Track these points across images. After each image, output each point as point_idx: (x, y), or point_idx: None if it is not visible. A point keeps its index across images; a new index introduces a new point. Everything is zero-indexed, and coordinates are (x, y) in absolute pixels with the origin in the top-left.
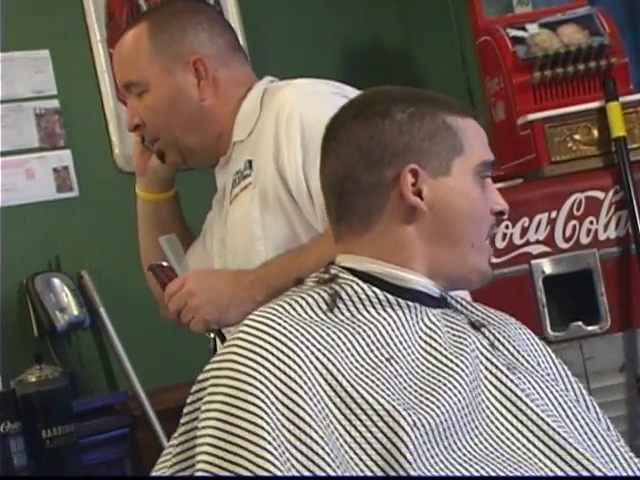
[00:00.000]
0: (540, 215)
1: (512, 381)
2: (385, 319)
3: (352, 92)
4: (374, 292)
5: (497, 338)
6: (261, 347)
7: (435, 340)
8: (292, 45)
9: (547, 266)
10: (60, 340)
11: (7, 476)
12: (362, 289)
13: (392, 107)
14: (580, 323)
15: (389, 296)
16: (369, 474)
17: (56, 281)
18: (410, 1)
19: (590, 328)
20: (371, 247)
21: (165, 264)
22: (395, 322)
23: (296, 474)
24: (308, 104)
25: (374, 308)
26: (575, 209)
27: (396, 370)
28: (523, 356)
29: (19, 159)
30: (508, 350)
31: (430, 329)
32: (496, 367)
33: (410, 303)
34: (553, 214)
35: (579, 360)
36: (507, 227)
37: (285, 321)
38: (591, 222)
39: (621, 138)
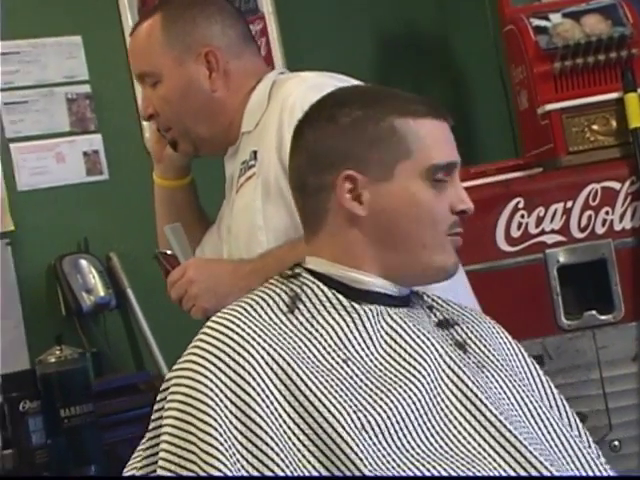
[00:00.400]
0: (556, 205)
1: (474, 382)
2: (344, 321)
3: None
4: (333, 295)
5: (469, 337)
6: (218, 349)
7: (395, 341)
8: (325, 30)
9: (562, 255)
10: (87, 320)
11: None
12: (322, 291)
13: (339, 111)
14: (594, 312)
15: (347, 299)
16: (315, 474)
17: (83, 263)
18: None
19: (604, 317)
20: (326, 249)
21: (169, 252)
22: (354, 324)
23: (245, 474)
24: (311, 96)
25: (334, 309)
26: (591, 199)
27: (352, 371)
28: (494, 355)
29: (50, 143)
30: (479, 348)
31: (392, 329)
32: (458, 367)
33: (368, 306)
34: (569, 204)
35: (592, 349)
36: (522, 216)
37: (245, 323)
38: (607, 212)
39: (638, 129)
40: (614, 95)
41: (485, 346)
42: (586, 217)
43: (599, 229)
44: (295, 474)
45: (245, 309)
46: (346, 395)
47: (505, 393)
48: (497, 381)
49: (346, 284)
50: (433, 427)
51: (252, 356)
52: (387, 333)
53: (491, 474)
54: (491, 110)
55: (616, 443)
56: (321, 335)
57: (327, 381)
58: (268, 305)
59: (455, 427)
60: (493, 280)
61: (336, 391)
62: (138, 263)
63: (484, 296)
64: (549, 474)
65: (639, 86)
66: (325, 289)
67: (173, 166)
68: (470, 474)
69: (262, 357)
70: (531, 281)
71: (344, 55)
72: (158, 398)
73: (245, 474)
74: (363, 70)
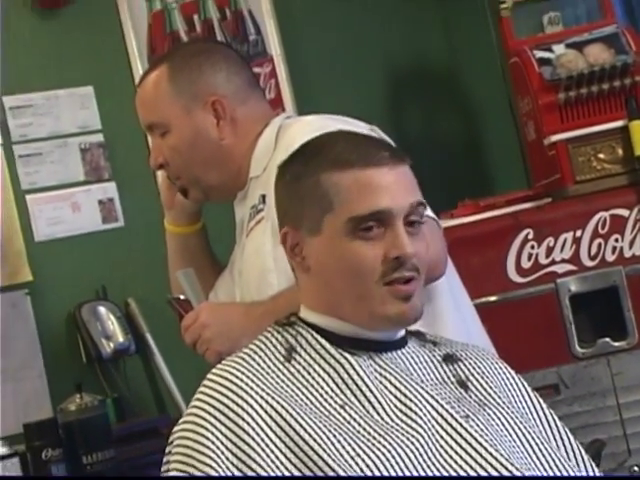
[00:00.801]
0: (565, 234)
1: (471, 426)
2: (338, 369)
3: (364, 128)
4: (325, 344)
5: (471, 373)
6: (217, 401)
7: (387, 387)
8: (334, 69)
9: (573, 284)
10: (107, 366)
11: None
12: (315, 340)
13: (288, 167)
14: (608, 339)
15: (338, 348)
16: None
17: (102, 309)
18: (454, 19)
19: (617, 344)
20: (305, 298)
21: (182, 297)
22: (348, 372)
23: None
24: None
25: (328, 357)
26: (600, 227)
27: (350, 416)
28: (495, 392)
29: (65, 193)
30: (481, 385)
31: (382, 375)
32: (450, 414)
33: (358, 353)
34: (578, 233)
35: (607, 376)
36: (533, 247)
37: (243, 373)
38: (616, 240)
39: None
40: (619, 123)
41: (487, 383)
42: (596, 245)
43: (609, 256)
44: None
45: (243, 359)
46: (345, 440)
47: (507, 430)
48: (499, 418)
49: (335, 333)
50: (434, 469)
51: (250, 405)
52: (380, 378)
53: None
54: (502, 142)
55: (635, 468)
56: (317, 383)
57: (325, 426)
58: (265, 355)
59: (455, 469)
60: (506, 311)
61: (334, 436)
62: (156, 308)
63: (497, 328)
64: None
65: None
66: (318, 338)
67: (184, 213)
68: None
69: (260, 405)
70: (544, 311)
71: (355, 94)
72: (166, 452)
73: None
74: (374, 107)
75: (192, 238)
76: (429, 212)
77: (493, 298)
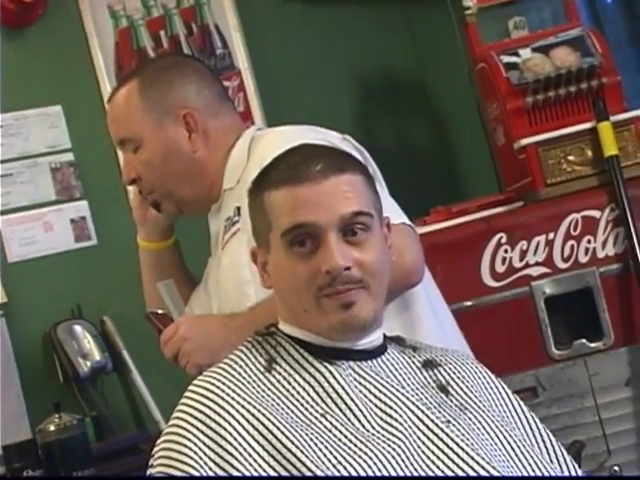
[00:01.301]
0: (538, 237)
1: (451, 431)
2: (318, 378)
3: (336, 137)
4: (305, 355)
5: (452, 378)
6: (199, 412)
7: (367, 396)
8: (302, 82)
9: (548, 287)
10: (85, 385)
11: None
12: (295, 350)
13: (249, 189)
14: (584, 340)
15: (317, 358)
16: None
17: (78, 328)
18: (421, 27)
19: (594, 345)
20: (279, 311)
21: (160, 311)
22: (328, 381)
23: None
24: None
25: (308, 367)
26: (572, 229)
27: (331, 424)
28: (476, 396)
29: (37, 213)
30: (462, 389)
31: (362, 384)
32: (430, 419)
33: (337, 363)
34: (551, 235)
35: (585, 377)
36: (506, 251)
37: (224, 383)
38: (589, 241)
39: (614, 157)
40: (587, 125)
41: (468, 387)
42: (569, 247)
43: (582, 258)
44: None
45: (224, 369)
46: (326, 448)
47: (488, 433)
48: (480, 422)
49: (313, 344)
50: (416, 475)
51: (232, 415)
52: (359, 387)
53: None
54: (472, 147)
55: (616, 468)
56: (298, 392)
57: (307, 435)
58: (246, 365)
59: (436, 474)
60: (481, 316)
61: (316, 444)
62: (132, 325)
63: (474, 332)
64: None
65: (611, 114)
66: (298, 348)
67: (157, 228)
68: None
69: (242, 415)
70: (519, 314)
71: (324, 105)
72: (148, 465)
73: None
74: (344, 117)
75: (165, 253)
76: (404, 219)
77: (469, 303)
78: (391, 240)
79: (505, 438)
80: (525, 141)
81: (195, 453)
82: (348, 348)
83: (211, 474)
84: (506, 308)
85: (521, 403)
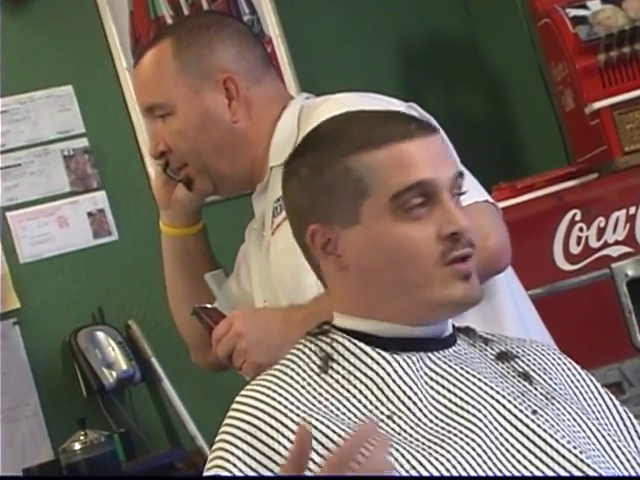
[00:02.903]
0: (617, 212)
1: (539, 420)
2: (382, 374)
3: (399, 105)
4: (366, 349)
5: (532, 369)
6: (251, 425)
7: (443, 388)
8: (339, 47)
9: (630, 268)
10: (111, 398)
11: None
12: (354, 345)
13: (300, 162)
14: None
15: (381, 351)
16: None
17: (100, 335)
18: None
19: None
20: (338, 302)
21: (209, 306)
22: (393, 376)
23: None
24: None
25: (370, 363)
26: None
27: (399, 426)
28: (562, 388)
29: (50, 207)
30: (545, 381)
31: (437, 375)
32: (518, 409)
33: (406, 355)
34: (632, 210)
35: None
36: (581, 230)
37: (275, 391)
38: None
39: None
40: None
41: (551, 379)
42: None
43: None
44: None
45: (274, 375)
46: (397, 452)
47: (580, 425)
48: (569, 413)
49: (376, 335)
50: (500, 474)
51: (286, 426)
52: (432, 380)
53: None
54: (535, 115)
55: None
56: (360, 392)
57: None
58: (299, 367)
59: (528, 471)
60: (556, 304)
61: None
62: (161, 329)
63: (547, 323)
64: None
65: None
66: (357, 342)
67: (183, 211)
68: None
69: (298, 425)
70: (599, 301)
71: (363, 74)
72: None
73: None
74: (386, 87)
75: (191, 241)
76: (486, 196)
77: (540, 290)
78: (473, 220)
79: (599, 431)
80: (598, 104)
81: (246, 473)
82: (418, 337)
83: None
84: (584, 294)
85: (612, 397)
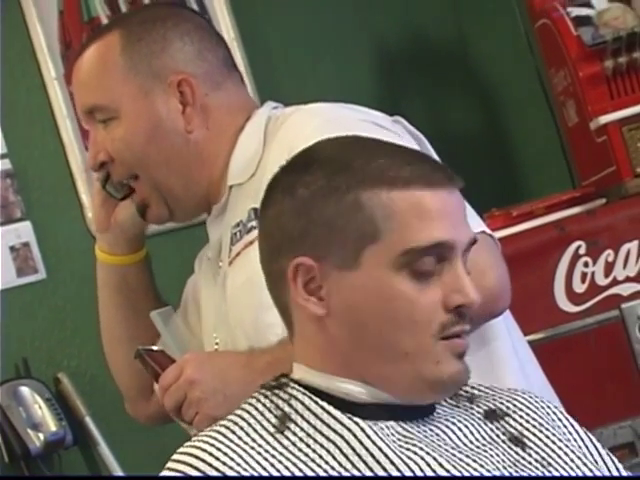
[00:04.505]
0: (627, 244)
1: None
2: (348, 438)
3: (383, 119)
4: (328, 409)
5: (525, 427)
6: None
7: (421, 457)
8: (309, 52)
9: None
10: (37, 464)
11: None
12: (315, 403)
13: (299, 180)
14: None
15: (347, 414)
16: None
17: (25, 390)
18: None
19: None
20: (301, 353)
21: (155, 348)
22: (361, 442)
23: None
24: (331, 132)
25: (334, 425)
26: None
27: None
28: (561, 448)
29: None
30: (541, 441)
31: (412, 442)
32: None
33: (374, 423)
34: None
35: None
36: (586, 265)
37: (220, 450)
38: None
39: None
40: None
41: (548, 437)
42: None
43: None
44: None
45: (219, 432)
46: None
47: None
48: (568, 473)
49: (339, 397)
50: None
51: None
52: (406, 453)
53: None
54: (533, 130)
55: None
56: (320, 457)
57: None
58: (250, 425)
59: None
60: (558, 351)
61: None
62: (96, 383)
63: (548, 373)
64: None
65: None
66: (319, 401)
67: (124, 236)
68: None
69: None
70: (607, 347)
71: (337, 80)
72: None
73: None
74: (361, 95)
75: (133, 271)
76: (483, 226)
77: (540, 335)
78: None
79: None
80: (605, 118)
81: None
82: (392, 404)
83: None
84: (589, 339)
85: (618, 465)
